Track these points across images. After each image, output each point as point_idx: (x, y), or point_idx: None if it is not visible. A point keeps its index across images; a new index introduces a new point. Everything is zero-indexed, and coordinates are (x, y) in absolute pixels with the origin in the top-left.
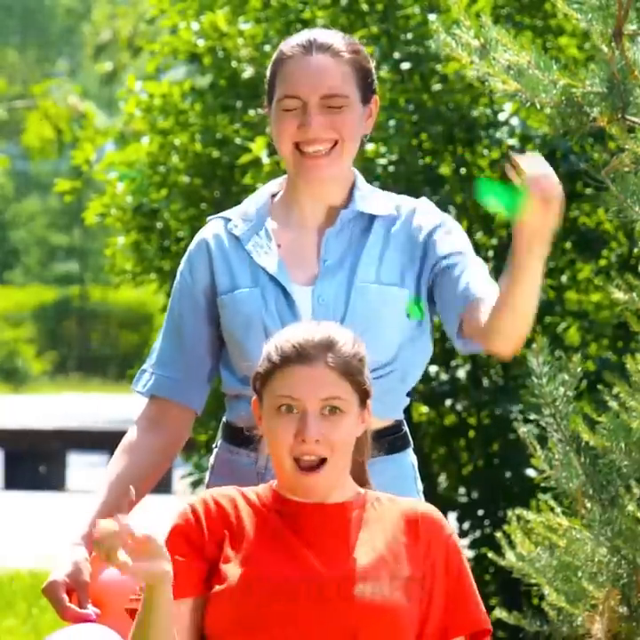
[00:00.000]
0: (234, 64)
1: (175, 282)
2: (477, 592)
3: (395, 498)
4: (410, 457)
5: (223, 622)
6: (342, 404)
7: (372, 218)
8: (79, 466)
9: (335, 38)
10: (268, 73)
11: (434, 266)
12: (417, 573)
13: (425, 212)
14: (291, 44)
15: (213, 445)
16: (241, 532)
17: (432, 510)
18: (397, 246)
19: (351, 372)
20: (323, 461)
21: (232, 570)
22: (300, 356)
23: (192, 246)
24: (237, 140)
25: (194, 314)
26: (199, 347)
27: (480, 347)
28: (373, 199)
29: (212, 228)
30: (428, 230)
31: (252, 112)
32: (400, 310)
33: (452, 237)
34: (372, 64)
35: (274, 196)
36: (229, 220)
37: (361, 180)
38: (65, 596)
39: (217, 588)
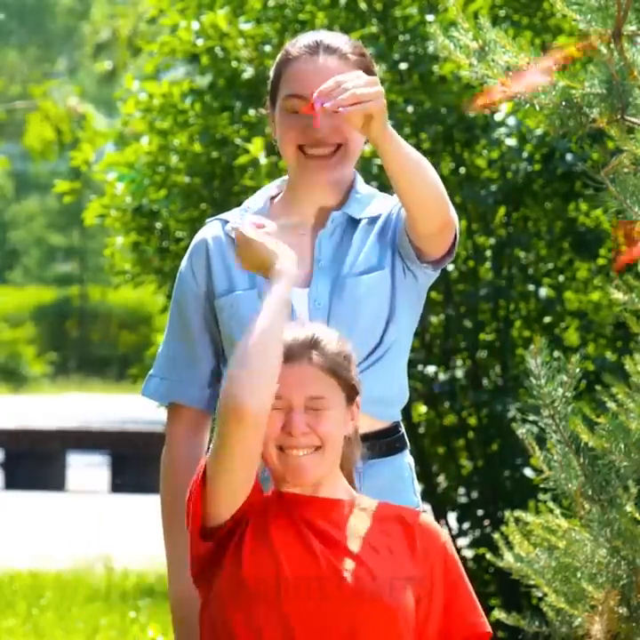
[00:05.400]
0: (233, 64)
1: (177, 283)
2: (475, 596)
3: (389, 503)
4: (407, 458)
5: (215, 613)
6: (325, 403)
7: (360, 219)
8: (79, 466)
9: (341, 41)
10: (271, 73)
11: (395, 229)
12: (413, 578)
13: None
14: (297, 45)
15: (209, 446)
16: (245, 529)
17: (427, 517)
18: (376, 236)
19: (336, 368)
20: (316, 449)
21: (229, 562)
22: (285, 355)
23: (191, 247)
24: (237, 141)
25: (201, 315)
26: (207, 348)
27: (431, 249)
28: (369, 204)
29: (211, 230)
30: (394, 209)
31: (251, 112)
32: (383, 290)
33: None
34: (377, 68)
35: (273, 197)
36: (227, 222)
37: (360, 182)
38: None
39: (214, 577)
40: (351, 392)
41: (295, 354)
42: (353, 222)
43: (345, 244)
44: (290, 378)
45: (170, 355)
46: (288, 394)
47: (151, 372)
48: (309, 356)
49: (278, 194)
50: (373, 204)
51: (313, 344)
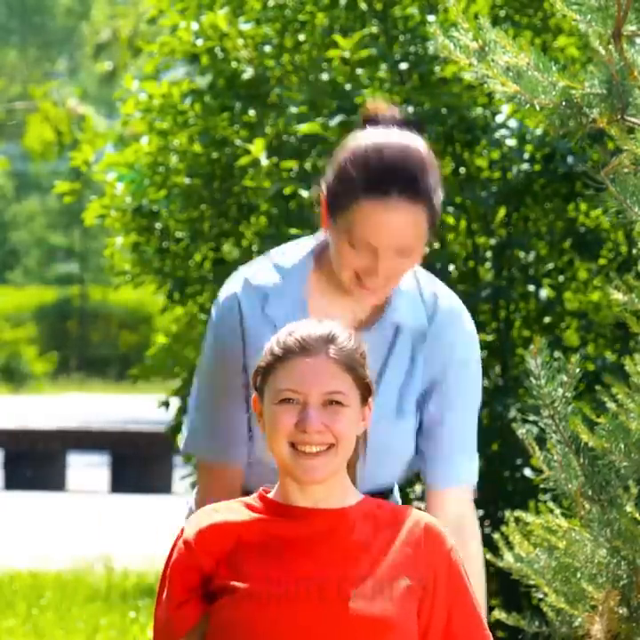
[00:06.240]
0: (233, 64)
1: (211, 337)
2: (479, 606)
3: (396, 506)
4: None
5: (220, 628)
6: (343, 398)
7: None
8: (79, 466)
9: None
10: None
11: (430, 398)
12: (417, 583)
13: (458, 344)
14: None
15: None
16: (236, 545)
17: (434, 522)
18: (420, 369)
19: (353, 365)
20: (329, 448)
21: (231, 580)
22: (302, 348)
23: (226, 307)
24: (237, 141)
25: (237, 378)
26: (241, 406)
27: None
28: (410, 303)
29: (248, 297)
30: (447, 370)
31: (251, 113)
32: (412, 436)
33: (460, 387)
34: None
35: (313, 253)
36: (267, 295)
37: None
38: None
39: (217, 599)
40: (365, 391)
41: (312, 347)
42: (394, 325)
43: (383, 349)
44: (306, 372)
45: (208, 413)
46: (305, 389)
47: (189, 425)
48: (327, 350)
49: (320, 251)
50: (414, 303)
51: (330, 339)
